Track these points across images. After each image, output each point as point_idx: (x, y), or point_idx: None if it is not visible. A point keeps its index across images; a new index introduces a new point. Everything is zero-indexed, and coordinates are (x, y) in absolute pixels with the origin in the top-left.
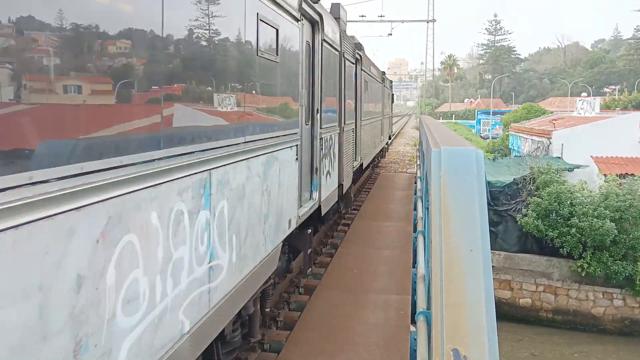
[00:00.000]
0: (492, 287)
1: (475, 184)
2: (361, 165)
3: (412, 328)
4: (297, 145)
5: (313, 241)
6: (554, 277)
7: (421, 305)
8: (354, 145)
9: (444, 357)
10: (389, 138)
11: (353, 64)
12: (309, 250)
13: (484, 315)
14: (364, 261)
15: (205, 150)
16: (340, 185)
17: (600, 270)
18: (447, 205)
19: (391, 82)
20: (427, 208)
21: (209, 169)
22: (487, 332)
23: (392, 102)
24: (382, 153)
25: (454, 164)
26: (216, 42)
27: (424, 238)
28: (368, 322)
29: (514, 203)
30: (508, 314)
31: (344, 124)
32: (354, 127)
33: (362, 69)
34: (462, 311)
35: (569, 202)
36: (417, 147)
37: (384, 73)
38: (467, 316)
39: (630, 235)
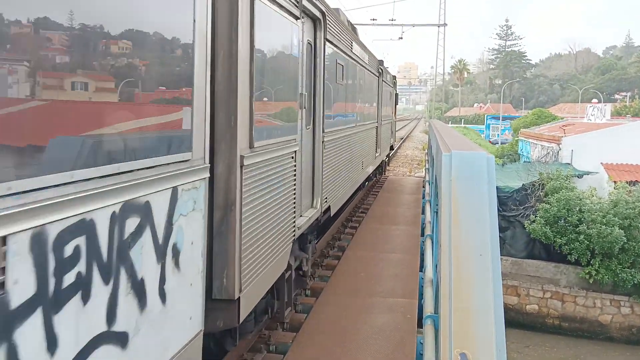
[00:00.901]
0: (501, 292)
1: (485, 188)
2: (328, 209)
3: (419, 332)
4: None
5: None
6: (562, 284)
7: (428, 309)
8: (310, 183)
9: None
10: (391, 149)
11: (295, 19)
12: None
13: (493, 320)
14: (371, 264)
15: None
16: (234, 302)
17: (608, 278)
18: (457, 209)
19: (394, 77)
20: (436, 212)
21: None
22: (496, 337)
23: (396, 103)
24: (380, 169)
25: (465, 168)
26: None
27: (432, 242)
28: (374, 326)
29: (523, 209)
30: (515, 320)
31: (252, 146)
32: (300, 147)
33: (327, 40)
34: (471, 316)
35: (577, 209)
36: (426, 150)
37: (381, 62)
38: (475, 321)
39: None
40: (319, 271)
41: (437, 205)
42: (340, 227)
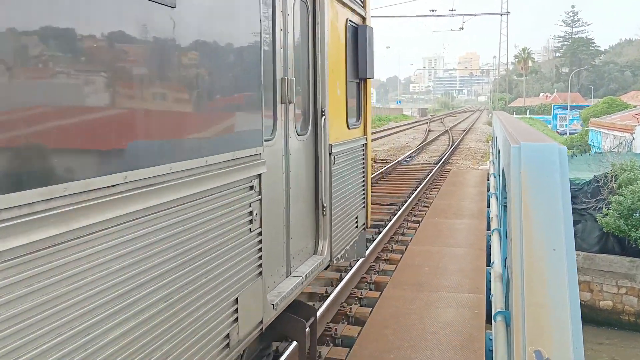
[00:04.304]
0: (577, 287)
1: (558, 181)
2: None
3: (487, 327)
4: None
5: None
6: (637, 279)
7: (498, 305)
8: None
9: (526, 359)
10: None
11: None
12: None
13: (569, 316)
14: (434, 259)
15: None
16: None
17: None
18: (527, 203)
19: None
20: (504, 205)
21: None
22: (572, 334)
23: (364, 83)
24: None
25: (535, 161)
26: None
27: (500, 236)
28: (441, 321)
29: (594, 201)
30: (587, 317)
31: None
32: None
33: None
34: (545, 312)
35: None
36: (490, 142)
37: None
38: (550, 317)
39: None
40: (382, 265)
41: (504, 198)
42: (402, 222)
